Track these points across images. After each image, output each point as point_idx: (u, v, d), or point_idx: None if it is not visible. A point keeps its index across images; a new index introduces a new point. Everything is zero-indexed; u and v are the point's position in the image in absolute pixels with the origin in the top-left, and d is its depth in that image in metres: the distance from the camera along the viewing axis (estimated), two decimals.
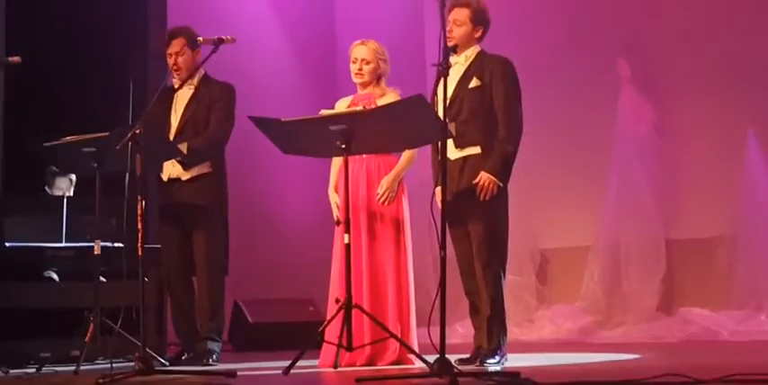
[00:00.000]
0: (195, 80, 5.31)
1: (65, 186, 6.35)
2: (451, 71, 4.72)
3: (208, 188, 5.25)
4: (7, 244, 5.46)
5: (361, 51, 5.00)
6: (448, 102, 4.64)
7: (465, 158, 4.71)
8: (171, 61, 5.27)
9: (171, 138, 5.25)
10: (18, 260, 5.49)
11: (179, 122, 5.29)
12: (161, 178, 5.34)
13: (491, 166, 4.64)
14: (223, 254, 5.35)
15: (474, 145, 4.70)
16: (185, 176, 5.26)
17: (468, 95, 4.71)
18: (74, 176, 6.30)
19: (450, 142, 4.66)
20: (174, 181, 5.27)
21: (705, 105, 6.97)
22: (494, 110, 4.70)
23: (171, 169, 5.26)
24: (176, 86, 5.26)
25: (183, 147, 5.11)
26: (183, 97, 5.33)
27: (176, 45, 5.26)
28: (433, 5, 5.64)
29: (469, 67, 4.77)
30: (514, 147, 4.67)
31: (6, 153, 6.91)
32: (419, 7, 8.40)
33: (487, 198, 4.63)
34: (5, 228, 5.55)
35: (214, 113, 5.29)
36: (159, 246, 5.39)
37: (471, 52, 4.79)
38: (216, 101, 5.31)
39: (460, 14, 4.77)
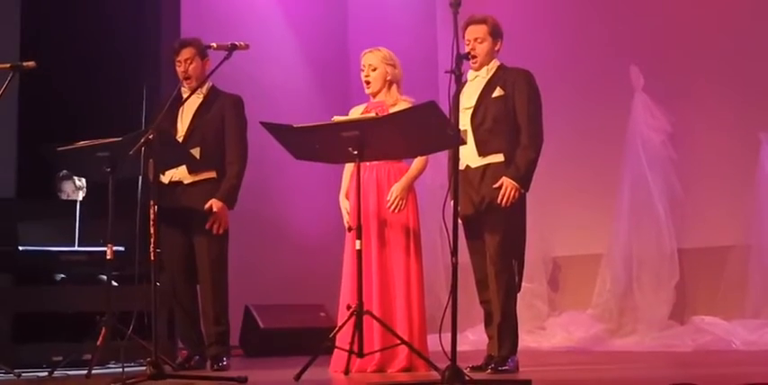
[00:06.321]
0: (204, 90, 5.30)
1: (69, 190, 6.39)
2: (473, 83, 4.82)
3: (210, 193, 5.21)
4: (21, 248, 5.49)
5: (368, 58, 5.04)
6: (471, 111, 4.72)
7: (486, 166, 4.73)
8: (181, 69, 5.28)
9: None
10: (32, 264, 5.52)
11: (186, 130, 5.25)
12: (161, 181, 5.27)
13: (513, 172, 4.66)
14: (225, 258, 5.31)
15: (496, 152, 4.73)
16: (187, 180, 5.23)
17: (492, 105, 4.75)
18: (83, 181, 6.32)
19: (472, 150, 4.70)
20: (176, 184, 5.23)
21: (718, 114, 6.95)
22: (516, 119, 4.74)
23: (173, 172, 5.21)
24: (185, 96, 5.22)
25: (196, 153, 5.13)
26: (190, 106, 5.29)
27: (186, 53, 5.28)
28: (446, 12, 5.65)
29: (491, 78, 4.81)
30: (536, 154, 4.71)
31: (21, 157, 6.94)
32: (432, 14, 8.41)
33: (508, 204, 4.64)
34: (20, 232, 5.57)
35: (228, 129, 5.27)
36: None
37: (492, 65, 4.84)
38: (226, 111, 5.29)
39: (479, 32, 4.80)
